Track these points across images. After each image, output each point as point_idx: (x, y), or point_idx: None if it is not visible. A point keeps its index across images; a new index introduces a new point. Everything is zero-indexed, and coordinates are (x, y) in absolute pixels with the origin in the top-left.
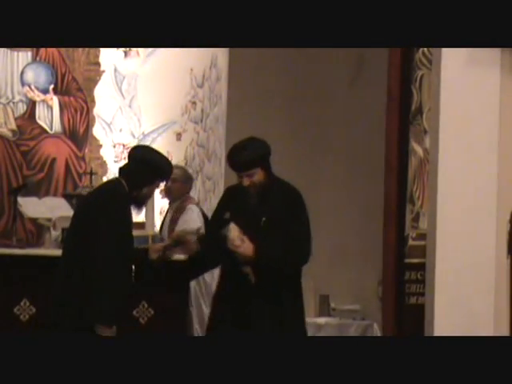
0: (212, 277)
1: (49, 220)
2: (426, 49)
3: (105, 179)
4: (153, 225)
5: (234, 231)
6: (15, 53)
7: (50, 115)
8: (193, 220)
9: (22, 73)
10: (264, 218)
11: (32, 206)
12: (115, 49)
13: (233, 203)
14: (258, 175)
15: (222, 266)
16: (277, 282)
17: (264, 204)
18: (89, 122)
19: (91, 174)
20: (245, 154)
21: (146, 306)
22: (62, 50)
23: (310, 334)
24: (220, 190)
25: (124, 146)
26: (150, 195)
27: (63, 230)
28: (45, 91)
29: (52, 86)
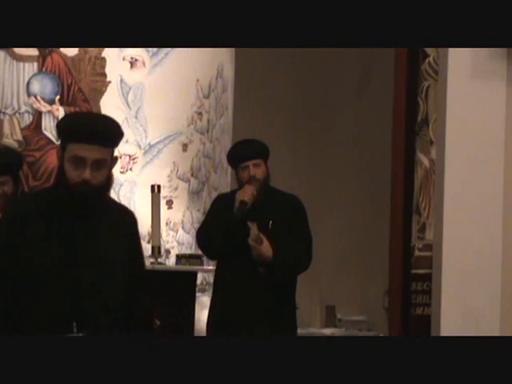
0: None
1: None
2: (432, 59)
3: (111, 190)
4: (159, 236)
5: (254, 229)
6: (21, 63)
7: (55, 126)
8: None
9: (28, 83)
10: (271, 221)
11: None
12: (121, 59)
13: (226, 211)
14: (262, 169)
15: (227, 265)
16: (287, 285)
17: (267, 206)
18: None
19: None
20: (255, 143)
21: None
22: (68, 60)
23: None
24: None
25: (130, 156)
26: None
27: None
28: (51, 102)
29: (58, 97)
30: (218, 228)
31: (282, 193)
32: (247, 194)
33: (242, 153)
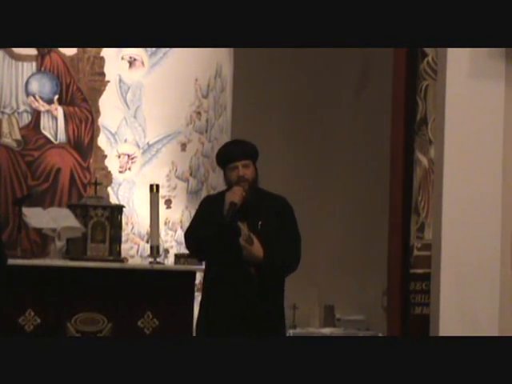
0: None
1: (53, 230)
2: (430, 59)
3: (109, 189)
4: (157, 235)
5: (245, 229)
6: (20, 63)
7: (54, 125)
8: None
9: (27, 83)
10: (260, 222)
11: (37, 217)
12: (120, 59)
13: (214, 212)
14: (251, 170)
15: (218, 266)
16: (276, 284)
17: (256, 207)
18: (93, 132)
19: (96, 184)
20: (244, 143)
21: (150, 316)
22: (67, 60)
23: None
24: None
25: (129, 156)
26: None
27: (68, 240)
28: (49, 101)
29: (57, 96)
30: (207, 230)
31: (270, 194)
32: (236, 194)
33: (231, 153)
